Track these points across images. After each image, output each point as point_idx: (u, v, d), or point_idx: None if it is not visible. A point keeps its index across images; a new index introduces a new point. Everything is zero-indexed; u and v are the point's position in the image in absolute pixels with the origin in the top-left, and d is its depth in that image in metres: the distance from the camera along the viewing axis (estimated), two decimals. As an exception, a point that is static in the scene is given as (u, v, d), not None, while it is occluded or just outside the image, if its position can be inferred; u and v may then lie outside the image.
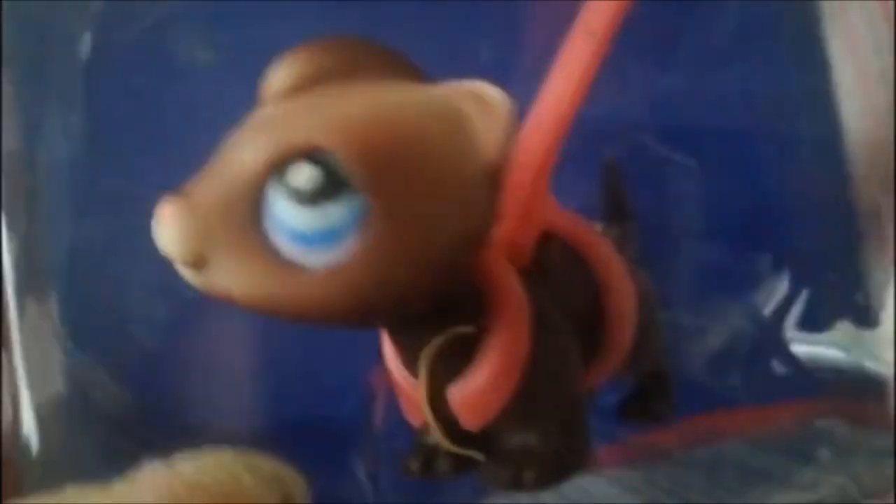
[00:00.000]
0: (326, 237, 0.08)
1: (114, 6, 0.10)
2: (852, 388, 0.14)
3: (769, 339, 0.14)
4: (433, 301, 0.09)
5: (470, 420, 0.10)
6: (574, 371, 0.11)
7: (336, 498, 0.11)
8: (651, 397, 0.13)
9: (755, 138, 0.14)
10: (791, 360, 0.14)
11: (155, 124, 0.10)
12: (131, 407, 0.11)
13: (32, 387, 0.11)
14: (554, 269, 0.11)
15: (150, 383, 0.11)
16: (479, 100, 0.08)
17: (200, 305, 0.10)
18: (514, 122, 0.08)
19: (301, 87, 0.09)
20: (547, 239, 0.12)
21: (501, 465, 0.10)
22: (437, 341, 0.10)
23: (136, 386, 0.11)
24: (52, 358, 0.11)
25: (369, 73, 0.09)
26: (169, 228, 0.08)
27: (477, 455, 0.10)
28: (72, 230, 0.11)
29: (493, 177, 0.08)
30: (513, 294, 0.10)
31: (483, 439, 0.10)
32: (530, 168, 0.11)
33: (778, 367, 0.14)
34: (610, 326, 0.12)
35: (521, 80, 0.11)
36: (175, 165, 0.08)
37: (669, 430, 0.14)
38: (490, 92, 0.08)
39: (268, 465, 0.08)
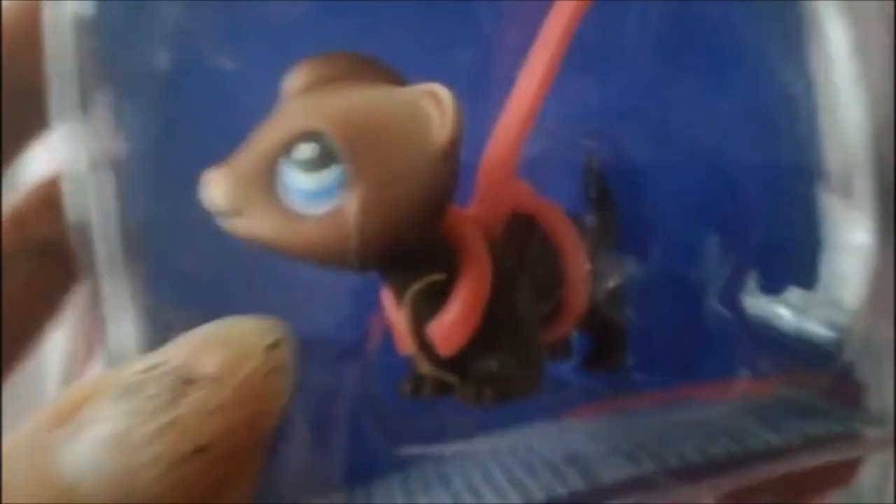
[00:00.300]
0: (321, 195, 0.11)
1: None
2: (809, 358, 0.16)
3: (732, 314, 0.16)
4: (409, 252, 0.12)
5: (444, 348, 0.13)
6: (526, 313, 0.14)
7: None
8: (606, 351, 0.16)
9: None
10: (752, 334, 0.16)
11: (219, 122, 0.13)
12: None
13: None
14: (518, 239, 0.14)
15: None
16: (434, 96, 0.11)
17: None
18: (460, 114, 0.11)
19: (309, 88, 0.12)
20: (517, 216, 0.15)
21: (468, 385, 0.13)
22: (416, 286, 0.13)
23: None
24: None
25: (359, 78, 0.12)
26: (213, 188, 0.11)
27: (450, 378, 0.13)
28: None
29: (446, 155, 0.11)
30: (478, 251, 0.13)
31: (455, 365, 0.13)
32: (497, 157, 0.14)
33: (741, 342, 0.16)
34: (567, 290, 0.14)
35: (497, 82, 0.14)
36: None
37: (643, 397, 0.17)
38: (442, 91, 0.11)
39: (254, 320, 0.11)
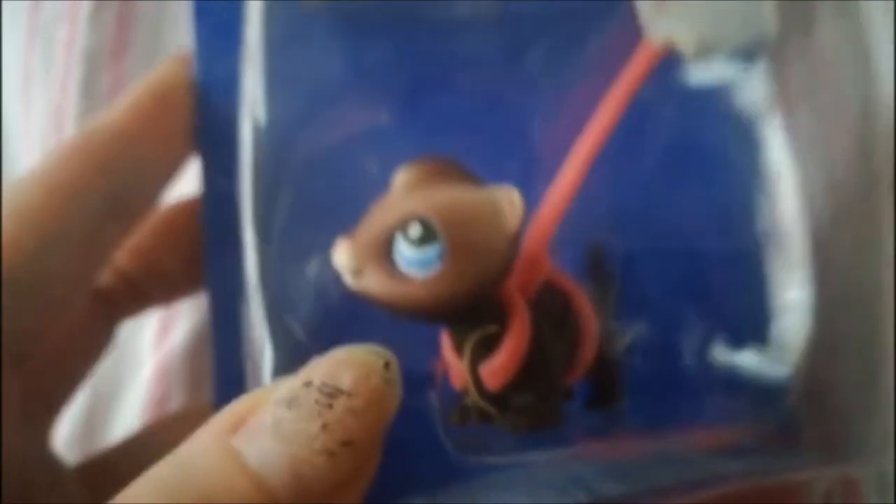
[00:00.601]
0: (424, 263, 0.15)
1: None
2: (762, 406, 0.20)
3: (701, 370, 0.21)
4: (473, 308, 0.16)
5: (492, 385, 0.17)
6: (553, 361, 0.17)
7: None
8: (606, 396, 0.20)
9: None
10: (717, 387, 0.21)
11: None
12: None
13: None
14: (548, 303, 0.18)
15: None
16: (508, 196, 0.15)
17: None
18: (524, 209, 0.15)
19: (413, 184, 0.16)
20: (546, 284, 0.19)
21: (507, 415, 0.17)
22: (475, 335, 0.17)
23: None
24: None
25: (448, 176, 0.16)
26: (342, 252, 0.15)
27: (492, 409, 0.17)
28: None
29: (514, 240, 0.15)
30: (521, 310, 0.17)
31: (497, 400, 0.17)
32: (538, 237, 0.18)
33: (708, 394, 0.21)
34: (582, 346, 0.18)
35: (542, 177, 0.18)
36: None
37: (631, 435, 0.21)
38: (514, 192, 0.16)
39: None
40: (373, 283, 0.15)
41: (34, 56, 0.30)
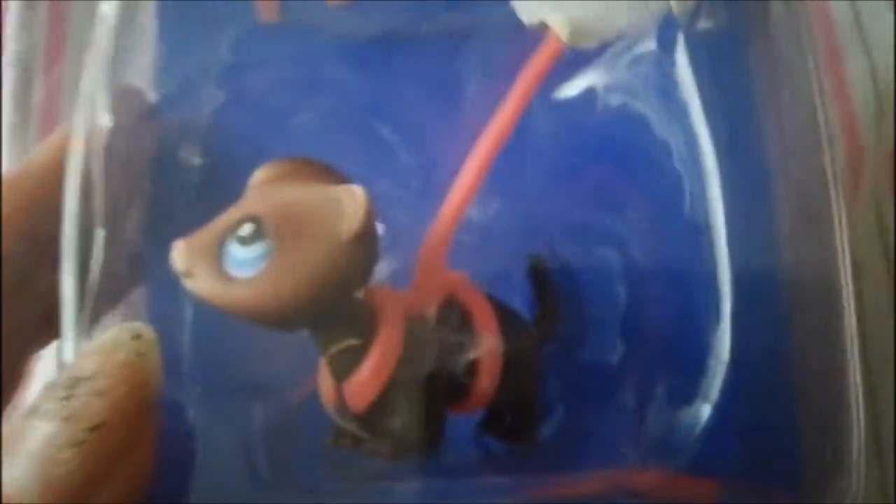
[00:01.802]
0: (250, 263, 0.14)
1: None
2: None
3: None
4: (329, 318, 0.15)
5: (354, 405, 0.15)
6: (431, 383, 0.16)
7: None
8: (515, 426, 0.17)
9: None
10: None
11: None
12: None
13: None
14: (443, 320, 0.16)
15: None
16: (350, 194, 0.14)
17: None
18: (369, 209, 0.14)
19: (267, 182, 0.15)
20: (448, 300, 0.17)
21: (374, 439, 0.15)
22: (334, 347, 0.15)
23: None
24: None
25: (307, 177, 0.15)
26: (175, 254, 0.15)
27: (360, 432, 0.16)
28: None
29: (356, 241, 0.14)
30: (393, 323, 0.15)
31: (367, 422, 0.16)
32: (430, 250, 0.16)
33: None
34: (477, 376, 0.16)
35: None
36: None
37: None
38: (357, 190, 0.14)
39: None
40: (202, 284, 0.14)
41: None
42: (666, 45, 0.15)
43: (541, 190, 0.17)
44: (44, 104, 0.28)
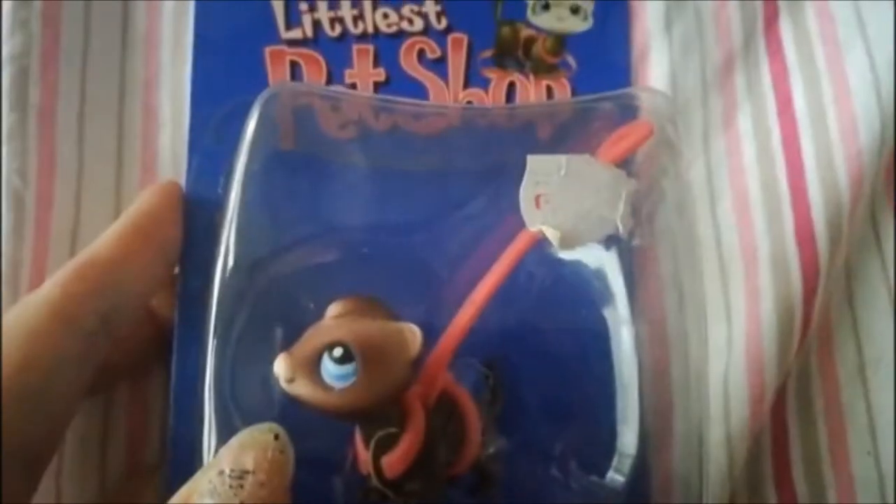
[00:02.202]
0: (343, 377, 0.20)
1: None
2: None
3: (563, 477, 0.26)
4: (379, 413, 0.21)
5: (390, 474, 0.22)
6: (439, 457, 0.22)
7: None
8: (485, 485, 0.25)
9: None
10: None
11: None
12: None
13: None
14: (440, 408, 0.23)
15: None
16: (411, 331, 0.21)
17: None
18: (422, 342, 0.21)
19: (340, 315, 0.21)
20: (442, 394, 0.24)
21: (400, 497, 0.22)
22: (379, 433, 0.22)
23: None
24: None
25: (368, 311, 0.21)
26: (279, 364, 0.20)
27: (388, 492, 0.22)
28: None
29: (412, 364, 0.21)
30: (418, 416, 0.22)
31: (393, 484, 0.22)
32: (437, 360, 0.23)
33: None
34: (464, 443, 0.24)
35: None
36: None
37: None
38: (415, 329, 0.21)
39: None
40: (302, 389, 0.20)
41: None
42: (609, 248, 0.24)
43: (509, 319, 0.25)
44: (41, 103, 0.28)
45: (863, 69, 0.28)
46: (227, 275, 0.22)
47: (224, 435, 0.21)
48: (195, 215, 0.26)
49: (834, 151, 0.28)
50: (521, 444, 0.25)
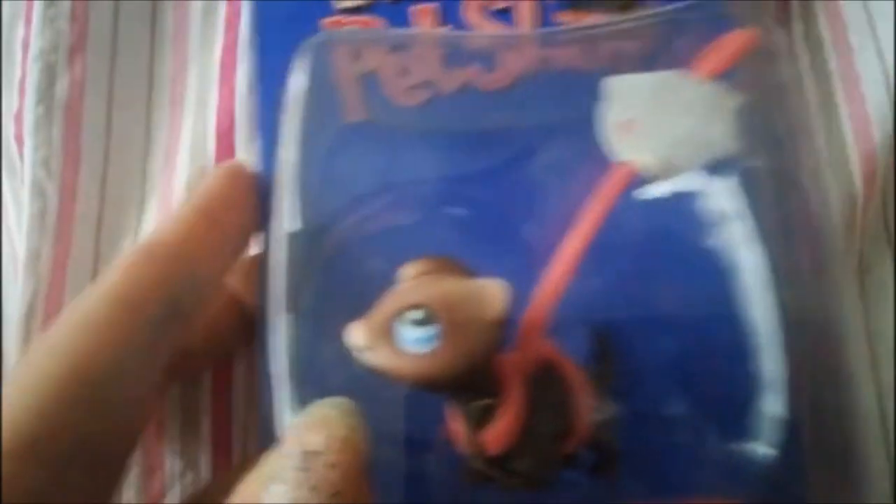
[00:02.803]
0: (424, 342, 0.18)
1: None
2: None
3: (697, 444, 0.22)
4: (470, 382, 0.19)
5: (493, 450, 0.19)
6: (545, 431, 0.20)
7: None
8: (603, 463, 0.22)
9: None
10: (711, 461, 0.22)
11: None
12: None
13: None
14: (543, 378, 0.21)
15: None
16: (493, 287, 0.19)
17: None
18: (508, 299, 0.18)
19: (415, 277, 0.19)
20: (543, 363, 0.21)
21: (504, 477, 0.19)
22: (475, 405, 0.19)
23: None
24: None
25: (445, 271, 0.19)
26: (354, 333, 0.18)
27: (491, 471, 0.20)
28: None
29: (499, 324, 0.18)
30: (516, 384, 0.20)
31: (500, 463, 0.20)
32: (531, 323, 0.21)
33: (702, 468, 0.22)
34: (574, 417, 0.21)
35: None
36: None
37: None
38: (499, 284, 0.19)
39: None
40: (381, 358, 0.18)
41: None
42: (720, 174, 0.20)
43: (613, 273, 0.22)
44: (67, 97, 0.29)
45: (874, 70, 0.28)
46: (295, 244, 0.21)
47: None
48: (266, 194, 0.25)
49: (848, 150, 0.28)
50: (644, 415, 0.22)
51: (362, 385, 0.19)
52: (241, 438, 0.27)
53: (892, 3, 0.29)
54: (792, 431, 0.20)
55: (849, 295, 0.20)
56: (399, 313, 0.18)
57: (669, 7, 0.23)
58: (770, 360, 0.20)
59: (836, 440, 0.20)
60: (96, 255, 0.29)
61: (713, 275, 0.21)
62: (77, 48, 0.29)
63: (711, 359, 0.22)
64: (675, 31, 0.22)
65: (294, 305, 0.20)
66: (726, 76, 0.20)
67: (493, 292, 0.19)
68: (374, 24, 0.27)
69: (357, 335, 0.18)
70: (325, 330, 0.20)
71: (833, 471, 0.20)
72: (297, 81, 0.23)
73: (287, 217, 0.21)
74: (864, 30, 0.29)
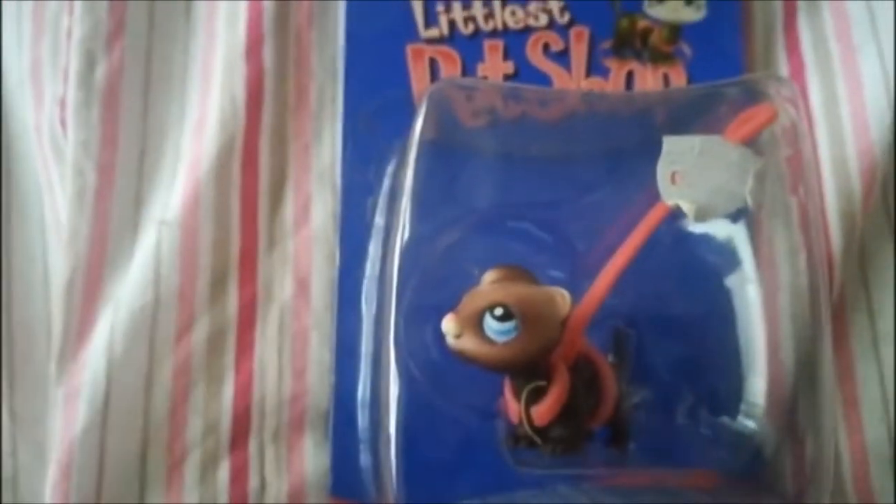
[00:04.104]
0: (504, 333, 0.23)
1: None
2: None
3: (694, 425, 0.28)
4: (530, 367, 0.24)
5: (539, 422, 0.24)
6: (581, 409, 0.25)
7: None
8: (618, 438, 0.27)
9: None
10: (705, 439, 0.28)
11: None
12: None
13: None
14: (580, 368, 0.26)
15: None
16: (559, 294, 0.23)
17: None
18: (570, 304, 0.23)
19: (496, 280, 0.24)
20: (581, 355, 0.26)
21: (547, 444, 0.25)
22: (529, 386, 0.24)
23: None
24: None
25: (518, 278, 0.24)
26: (447, 322, 0.23)
27: (537, 438, 0.25)
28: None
29: (562, 323, 0.23)
30: (562, 372, 0.25)
31: (541, 432, 0.25)
32: (576, 324, 0.26)
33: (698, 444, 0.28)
34: (602, 400, 0.26)
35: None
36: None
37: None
38: (565, 293, 0.23)
39: None
40: (468, 344, 0.23)
41: (42, 48, 0.32)
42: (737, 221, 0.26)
43: (639, 289, 0.27)
44: (106, 82, 0.31)
45: (874, 68, 0.30)
46: (404, 247, 0.25)
47: (405, 383, 0.24)
48: (350, 197, 0.29)
49: (847, 145, 0.30)
50: (655, 399, 0.27)
51: (447, 363, 0.24)
52: (259, 404, 0.29)
53: (892, 3, 0.31)
54: (767, 412, 0.26)
55: (825, 318, 0.25)
56: (485, 309, 0.23)
57: (717, 82, 0.28)
58: (754, 360, 0.26)
59: (802, 422, 0.26)
60: (134, 231, 0.30)
61: (717, 295, 0.27)
62: (115, 35, 0.31)
63: (708, 358, 0.27)
64: (717, 101, 0.27)
65: (400, 297, 0.25)
66: (751, 142, 0.26)
67: (559, 299, 0.23)
68: (452, 54, 0.31)
69: (450, 324, 0.23)
70: (423, 318, 0.24)
71: (797, 443, 0.26)
72: (418, 118, 0.27)
73: (402, 229, 0.25)
74: (867, 29, 0.31)
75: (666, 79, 0.32)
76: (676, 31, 0.32)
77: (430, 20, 0.32)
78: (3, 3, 0.33)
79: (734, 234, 0.26)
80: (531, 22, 0.32)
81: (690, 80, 0.32)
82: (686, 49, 0.32)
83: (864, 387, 0.30)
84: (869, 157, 0.30)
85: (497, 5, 0.32)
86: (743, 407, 0.26)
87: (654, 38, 0.32)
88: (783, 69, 0.33)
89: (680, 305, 0.27)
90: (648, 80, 0.32)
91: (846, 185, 0.30)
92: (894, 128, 0.30)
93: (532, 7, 0.32)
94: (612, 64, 0.32)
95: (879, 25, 0.31)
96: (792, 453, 0.26)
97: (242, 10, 0.31)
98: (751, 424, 0.26)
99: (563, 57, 0.32)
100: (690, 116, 0.28)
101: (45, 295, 0.31)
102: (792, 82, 0.28)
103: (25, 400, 0.30)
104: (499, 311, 0.23)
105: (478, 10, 0.32)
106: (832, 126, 0.31)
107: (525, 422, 0.25)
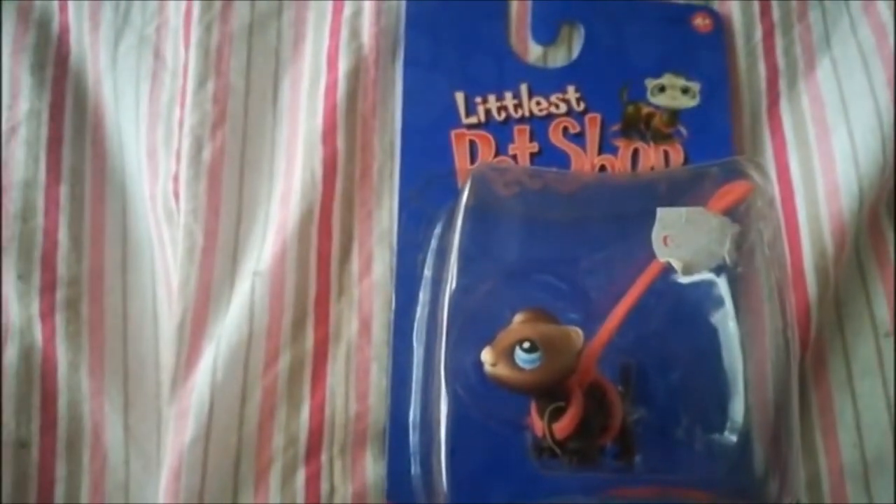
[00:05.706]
0: (531, 362, 0.29)
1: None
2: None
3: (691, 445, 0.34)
4: (550, 391, 0.30)
5: (559, 435, 0.30)
6: (593, 427, 0.31)
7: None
8: (625, 453, 0.33)
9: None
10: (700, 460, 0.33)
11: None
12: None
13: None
14: (592, 392, 0.32)
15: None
16: (574, 332, 0.30)
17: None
18: (582, 339, 0.29)
19: (525, 320, 0.30)
20: (592, 382, 0.32)
21: (566, 454, 0.30)
22: (551, 406, 0.30)
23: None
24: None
25: (542, 318, 0.30)
26: (486, 353, 0.29)
27: (558, 450, 0.30)
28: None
29: (576, 356, 0.29)
30: (577, 395, 0.31)
31: (561, 445, 0.30)
32: (589, 357, 0.32)
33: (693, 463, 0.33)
34: (610, 419, 0.32)
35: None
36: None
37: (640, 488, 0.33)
38: (578, 331, 0.30)
39: None
40: (502, 371, 0.29)
41: (157, 134, 0.38)
42: (719, 275, 0.32)
43: (640, 329, 0.33)
44: (210, 162, 0.37)
45: (845, 146, 0.36)
46: (452, 294, 0.32)
47: (452, 403, 0.30)
48: (404, 254, 0.36)
49: (821, 210, 0.36)
50: (655, 419, 0.33)
51: (487, 387, 0.30)
52: (330, 423, 0.35)
53: (865, 83, 0.37)
54: (747, 427, 0.32)
55: (794, 352, 0.31)
56: (516, 343, 0.29)
57: (705, 164, 0.35)
58: (735, 386, 0.32)
59: (779, 436, 0.32)
60: (232, 280, 0.36)
61: (705, 335, 0.33)
62: (218, 124, 0.37)
63: (698, 385, 0.33)
64: (704, 178, 0.34)
65: (449, 334, 0.31)
66: (730, 212, 0.32)
67: (574, 336, 0.30)
68: (487, 137, 0.38)
69: (487, 355, 0.29)
70: (467, 351, 0.31)
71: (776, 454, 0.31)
72: (464, 194, 0.34)
73: (451, 280, 0.32)
74: (839, 113, 0.37)
75: (666, 155, 0.38)
76: (675, 115, 0.39)
77: (470, 110, 0.39)
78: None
79: (716, 285, 0.32)
80: (553, 110, 0.39)
81: (687, 157, 0.38)
82: (683, 130, 0.39)
83: (840, 417, 0.36)
84: (840, 220, 0.36)
85: (525, 97, 0.39)
86: (728, 424, 0.32)
87: (656, 122, 0.39)
88: (768, 147, 0.39)
89: (673, 342, 0.33)
90: (651, 156, 0.38)
91: (820, 243, 0.36)
92: (860, 196, 0.36)
93: (553, 98, 0.39)
94: (620, 143, 0.39)
95: (850, 110, 0.37)
96: (770, 461, 0.31)
97: (320, 103, 0.38)
98: (734, 438, 0.32)
99: (579, 138, 0.39)
100: (683, 190, 0.35)
101: (155, 334, 0.37)
102: (764, 166, 0.34)
103: (138, 419, 0.36)
104: (527, 345, 0.29)
105: (509, 100, 0.39)
106: (809, 194, 0.37)
107: (548, 435, 0.31)
